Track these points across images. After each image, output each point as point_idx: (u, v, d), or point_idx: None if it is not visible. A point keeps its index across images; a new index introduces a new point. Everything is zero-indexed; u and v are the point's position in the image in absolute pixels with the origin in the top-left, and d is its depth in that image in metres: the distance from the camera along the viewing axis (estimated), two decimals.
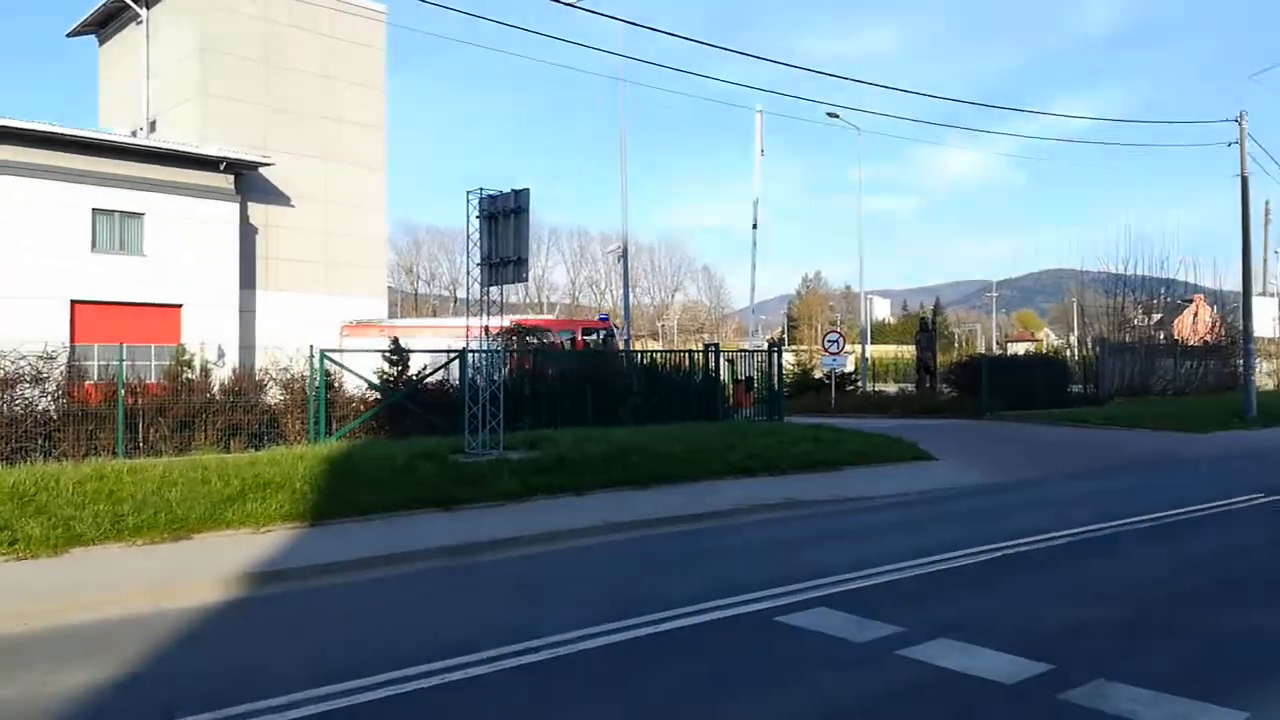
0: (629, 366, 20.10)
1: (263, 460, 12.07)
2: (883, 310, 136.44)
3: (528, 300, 69.90)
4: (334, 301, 19.09)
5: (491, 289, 13.83)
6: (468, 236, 13.69)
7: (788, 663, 5.95)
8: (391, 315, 42.17)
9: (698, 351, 21.31)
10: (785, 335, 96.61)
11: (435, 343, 25.93)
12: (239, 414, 14.74)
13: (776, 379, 23.12)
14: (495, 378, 13.66)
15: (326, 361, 15.34)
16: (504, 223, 13.30)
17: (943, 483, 14.68)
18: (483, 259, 13.58)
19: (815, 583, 7.83)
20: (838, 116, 33.66)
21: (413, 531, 10.19)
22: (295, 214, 18.64)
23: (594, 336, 27.62)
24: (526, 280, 13.97)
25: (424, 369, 17.64)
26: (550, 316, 31.28)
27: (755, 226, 26.10)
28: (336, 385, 15.71)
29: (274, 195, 18.28)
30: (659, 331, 78.24)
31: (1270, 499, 12.84)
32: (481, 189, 13.54)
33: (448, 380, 17.44)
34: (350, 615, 7.47)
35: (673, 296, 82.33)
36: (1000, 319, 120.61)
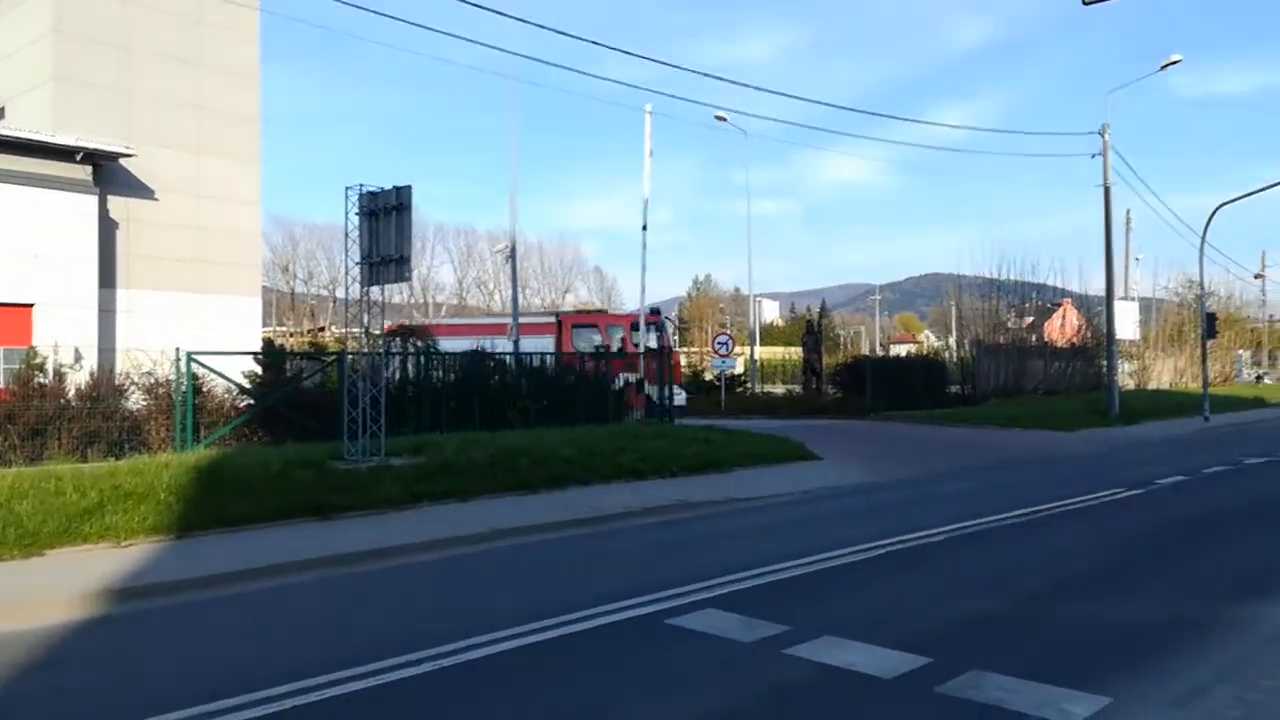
0: (518, 369, 19.81)
1: (123, 470, 11.34)
2: (771, 312, 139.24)
3: (412, 300, 68.48)
4: (205, 301, 18.12)
5: (373, 289, 13.39)
6: (346, 234, 13.21)
7: (678, 665, 5.91)
8: (266, 315, 40.38)
9: (586, 354, 21.18)
10: (677, 337, 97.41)
11: (503, 344, 24.31)
12: (97, 420, 13.82)
13: (667, 381, 23.20)
14: (377, 381, 13.21)
15: (195, 364, 14.56)
16: (385, 220, 12.89)
17: (828, 482, 14.97)
18: (363, 257, 13.13)
19: (705, 584, 7.83)
20: (726, 119, 34.11)
21: (287, 542, 9.74)
22: (161, 208, 17.61)
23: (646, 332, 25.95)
24: (409, 279, 13.60)
25: (300, 372, 16.98)
26: (564, 310, 29.76)
27: (645, 228, 26.15)
28: (205, 390, 14.92)
29: (137, 188, 17.24)
30: None
31: (1130, 493, 13.56)
32: (361, 185, 13.10)
33: (327, 383, 16.84)
34: (220, 631, 7.05)
35: (564, 297, 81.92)
36: (883, 321, 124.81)
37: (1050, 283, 44.74)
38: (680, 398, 25.84)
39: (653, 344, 25.77)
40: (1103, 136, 29.84)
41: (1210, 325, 32.87)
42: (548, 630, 6.55)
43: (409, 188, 12.80)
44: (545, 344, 24.89)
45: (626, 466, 14.53)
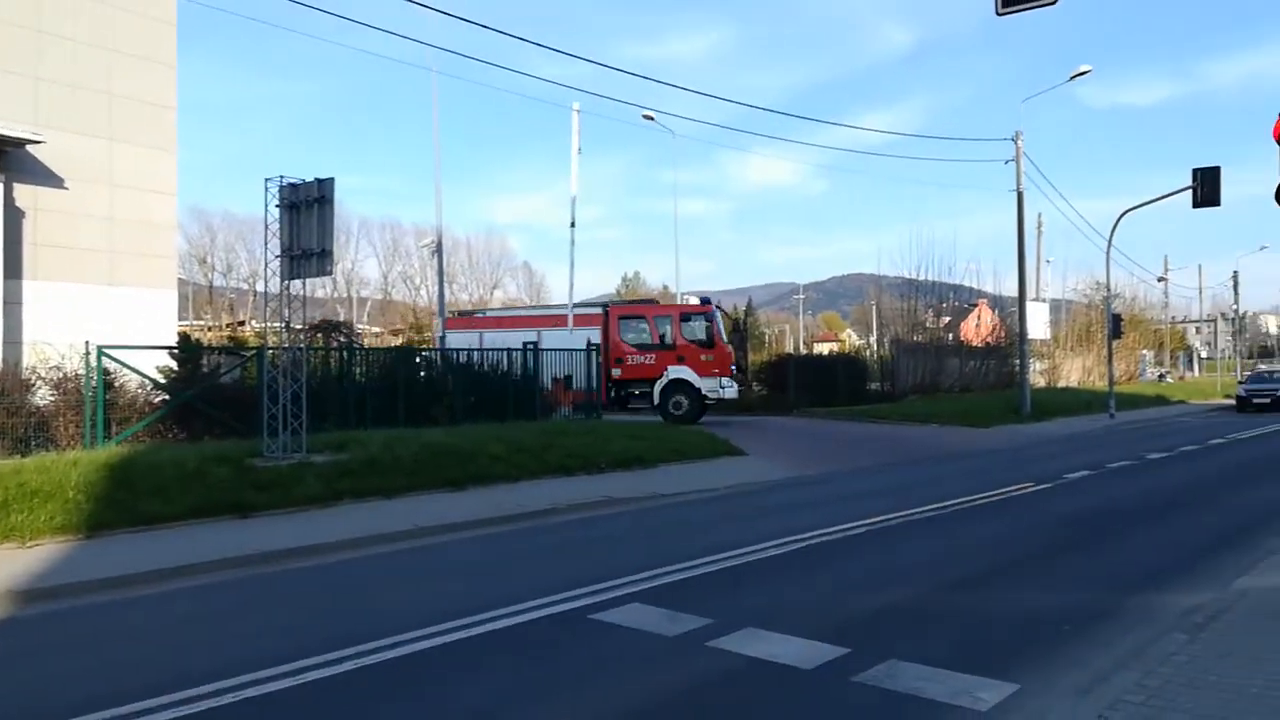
0: (444, 365, 19.60)
1: (29, 468, 10.91)
2: None
3: (336, 295, 67.16)
4: (117, 293, 17.42)
5: (294, 282, 13.11)
6: (266, 227, 12.92)
7: (603, 659, 5.96)
8: (183, 309, 39.00)
9: (516, 350, 21.05)
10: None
11: (551, 336, 23.89)
12: (1, 416, 13.25)
13: (594, 378, 23.21)
14: (298, 376, 12.94)
15: (106, 358, 14.06)
16: (307, 213, 12.63)
17: (752, 477, 15.18)
18: (283, 250, 12.84)
19: (630, 578, 7.90)
20: (653, 119, 34.21)
21: (204, 541, 9.51)
22: (71, 197, 16.90)
23: (694, 321, 24.78)
24: (331, 273, 13.32)
25: (218, 367, 16.53)
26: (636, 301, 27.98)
27: (573, 225, 26.09)
28: (117, 385, 14.41)
29: (45, 176, 16.51)
30: None
31: (1039, 487, 14.07)
32: (282, 176, 12.80)
33: (246, 379, 16.43)
34: (132, 633, 6.86)
35: (491, 293, 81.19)
36: (807, 320, 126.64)
37: (966, 283, 46.21)
38: (731, 390, 24.74)
39: (701, 335, 24.71)
40: (1016, 143, 30.82)
41: (1116, 326, 34.23)
42: (471, 628, 6.53)
43: (331, 180, 12.58)
44: (590, 336, 23.96)
45: (554, 463, 14.55)
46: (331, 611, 7.32)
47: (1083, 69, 30.74)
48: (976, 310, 50.43)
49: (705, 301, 26.56)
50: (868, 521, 10.76)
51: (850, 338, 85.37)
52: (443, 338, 22.67)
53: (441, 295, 26.77)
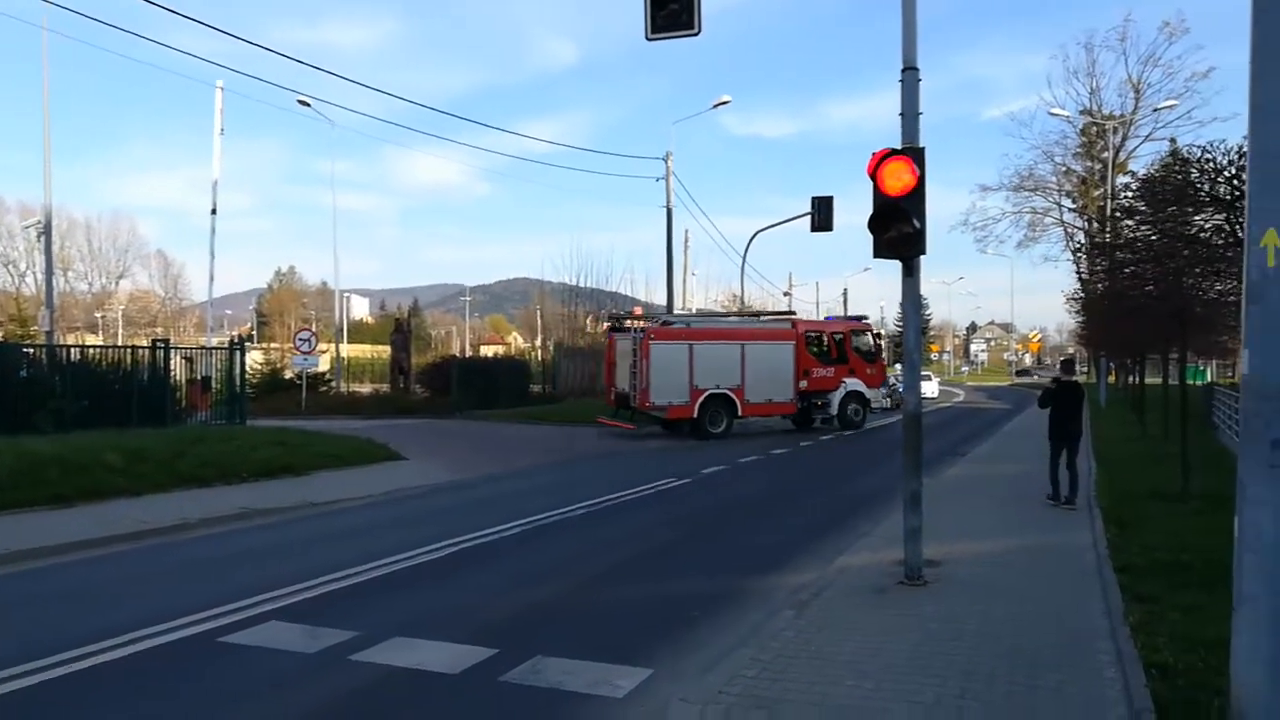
0: (50, 364, 17.10)
1: None
2: (361, 309, 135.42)
3: None
4: None
5: None
6: None
7: (232, 685, 5.52)
8: None
9: (144, 348, 18.89)
10: (255, 332, 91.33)
11: (754, 351, 24.33)
12: None
13: (239, 379, 21.50)
14: None
15: None
16: None
17: (411, 482, 14.87)
18: None
19: (267, 596, 7.41)
20: (309, 104, 32.43)
21: None
22: None
23: (863, 337, 26.99)
24: None
25: None
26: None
27: (214, 211, 23.89)
28: None
29: None
30: (99, 324, 68.38)
31: (679, 482, 15.18)
32: None
33: None
34: None
35: (118, 284, 72.47)
36: (474, 322, 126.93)
37: (623, 291, 48.73)
38: (885, 400, 27.39)
39: (868, 349, 26.91)
40: (666, 163, 33.03)
41: None
42: (73, 662, 5.76)
43: None
44: (779, 354, 24.71)
45: (186, 473, 13.32)
46: None
47: (724, 99, 33.62)
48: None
49: (863, 319, 30.36)
50: (520, 522, 10.95)
51: (516, 341, 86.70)
52: (50, 332, 19.78)
53: (50, 284, 23.38)
